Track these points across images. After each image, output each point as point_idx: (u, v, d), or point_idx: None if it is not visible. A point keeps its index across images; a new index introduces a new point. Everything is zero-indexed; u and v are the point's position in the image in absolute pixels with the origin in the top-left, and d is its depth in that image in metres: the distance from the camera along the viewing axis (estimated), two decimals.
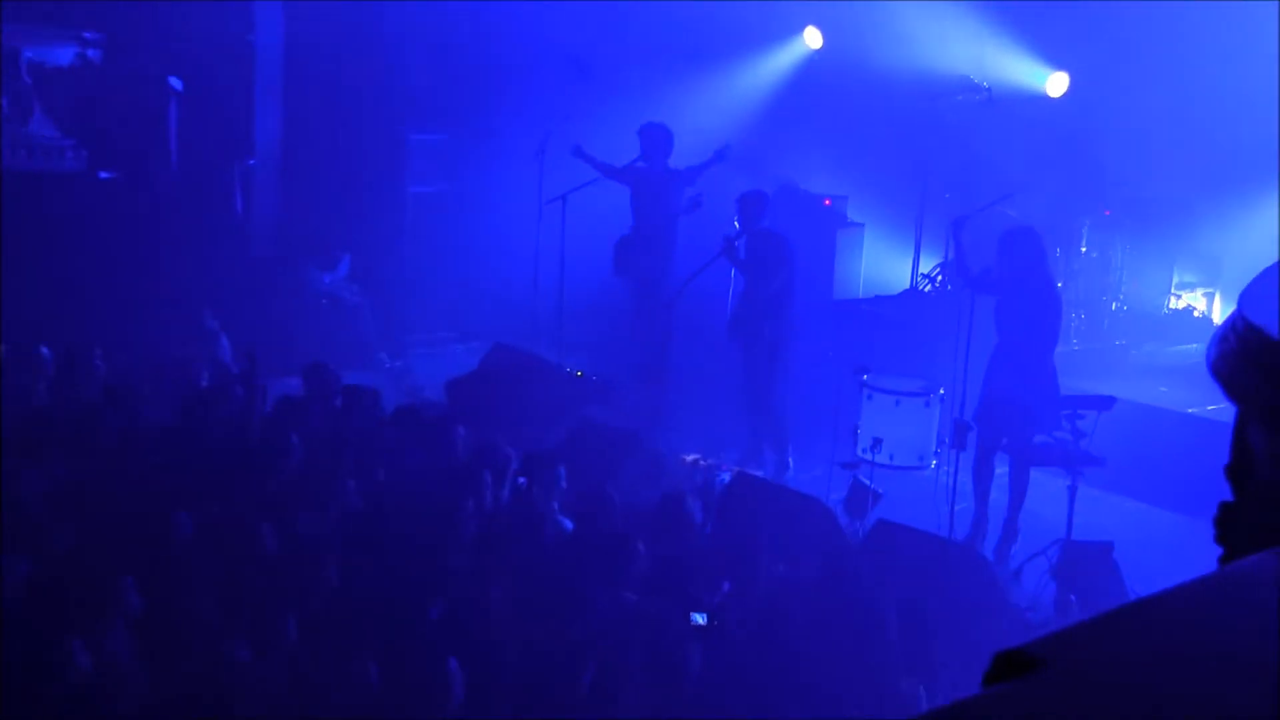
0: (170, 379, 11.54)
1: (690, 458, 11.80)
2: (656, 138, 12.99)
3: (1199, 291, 15.19)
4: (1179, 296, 15.28)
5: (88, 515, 8.83)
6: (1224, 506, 1.70)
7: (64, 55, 14.34)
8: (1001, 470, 10.92)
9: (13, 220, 13.33)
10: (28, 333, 11.70)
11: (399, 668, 7.28)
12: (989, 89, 13.61)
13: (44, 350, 11.49)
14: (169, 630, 7.61)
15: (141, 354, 11.93)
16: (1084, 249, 14.80)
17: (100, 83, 14.44)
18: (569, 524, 9.15)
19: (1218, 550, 1.72)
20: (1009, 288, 10.64)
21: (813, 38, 15.24)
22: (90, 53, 14.41)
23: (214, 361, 12.20)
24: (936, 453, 11.59)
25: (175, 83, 14.59)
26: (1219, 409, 11.47)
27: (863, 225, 14.44)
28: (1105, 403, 10.43)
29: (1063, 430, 10.19)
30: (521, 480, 9.65)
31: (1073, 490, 9.91)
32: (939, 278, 13.50)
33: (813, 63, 15.33)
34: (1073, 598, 9.23)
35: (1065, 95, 13.98)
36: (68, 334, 11.79)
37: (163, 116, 14.66)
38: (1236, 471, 1.65)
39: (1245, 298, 1.55)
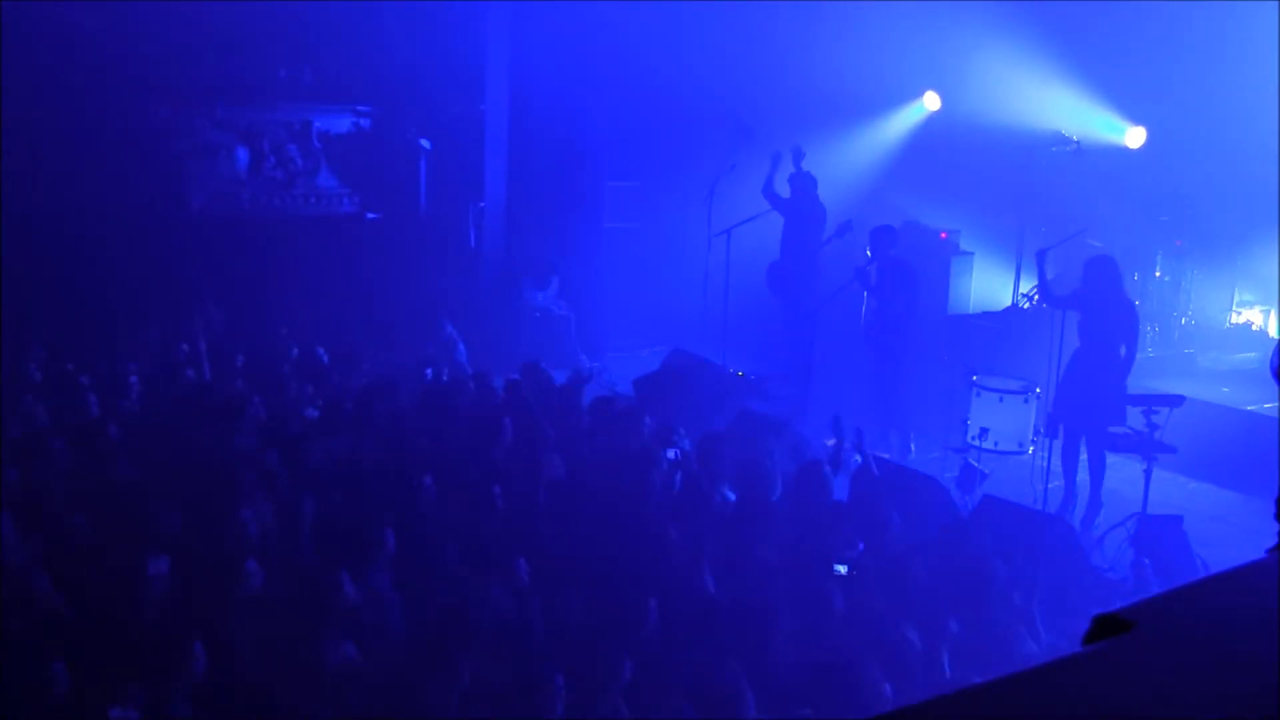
0: (419, 375, 11.83)
1: (830, 441, 11.79)
2: (804, 183, 13.01)
3: (1256, 309, 14.83)
4: (1239, 313, 14.95)
5: (360, 476, 9.13)
6: None
7: (343, 124, 14.65)
8: (1086, 455, 10.80)
9: (304, 250, 13.78)
10: (312, 338, 12.07)
11: (600, 602, 7.39)
12: (1078, 142, 13.42)
13: (320, 351, 11.85)
14: (419, 569, 7.80)
15: (398, 354, 12.22)
16: (1158, 273, 14.56)
17: (369, 145, 14.74)
18: (731, 494, 9.22)
19: (1276, 526, 1.76)
20: (1091, 306, 10.54)
21: (932, 101, 15.14)
22: (363, 122, 14.71)
23: (452, 362, 12.46)
24: (1033, 440, 11.46)
25: (425, 143, 14.86)
26: (1274, 406, 11.32)
27: (972, 253, 14.31)
28: (1176, 401, 10.27)
29: (1140, 423, 10.07)
30: (673, 453, 9.69)
31: (1148, 473, 9.81)
32: (1035, 297, 13.33)
33: (932, 120, 15.22)
34: (1146, 562, 9.09)
35: (1143, 146, 13.72)
36: (341, 338, 12.14)
37: (415, 170, 14.94)
38: None
39: None
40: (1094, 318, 10.53)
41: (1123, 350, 10.58)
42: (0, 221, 12.07)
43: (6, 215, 12.13)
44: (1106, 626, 1.37)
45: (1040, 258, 11.09)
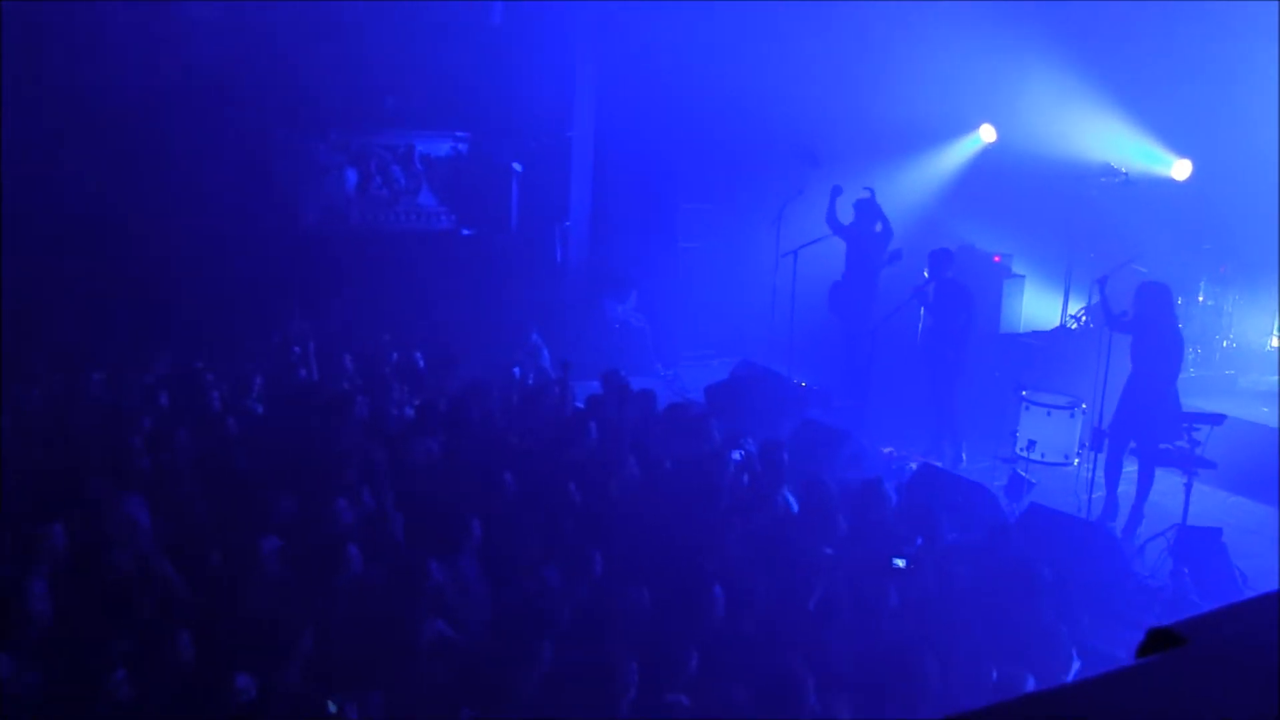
0: (507, 378, 11.91)
1: (886, 449, 11.76)
2: (866, 208, 12.98)
3: None
4: (1279, 336, 14.69)
5: (451, 471, 9.21)
6: None
7: (443, 148, 14.79)
8: (1130, 468, 10.66)
9: (405, 263, 13.94)
10: (411, 343, 12.20)
11: (669, 593, 7.39)
12: (1126, 174, 13.25)
13: (418, 356, 11.96)
14: (502, 559, 7.85)
15: (488, 360, 12.31)
16: (1201, 298, 14.37)
17: (465, 167, 14.89)
18: (791, 495, 9.20)
19: None
20: (1142, 329, 10.41)
21: (987, 133, 15.02)
22: (461, 146, 14.85)
23: (538, 368, 12.52)
24: (1078, 453, 11.35)
25: (517, 166, 14.97)
26: None
27: (1024, 277, 14.18)
28: (1217, 419, 10.14)
29: (1182, 439, 9.93)
30: (738, 455, 9.68)
31: (1188, 487, 9.68)
32: (1083, 318, 13.19)
33: (988, 151, 15.10)
34: (1185, 571, 8.98)
35: (1189, 178, 13.54)
36: (437, 344, 12.25)
37: (507, 191, 15.05)
38: None
39: None
40: (1147, 341, 10.39)
41: (1171, 372, 10.43)
42: (134, 233, 12.36)
43: (141, 228, 12.42)
44: (1159, 640, 1.35)
45: (1101, 284, 10.94)
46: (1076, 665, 7.18)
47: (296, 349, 11.62)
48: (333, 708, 5.54)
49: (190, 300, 12.33)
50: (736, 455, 9.65)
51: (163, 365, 10.93)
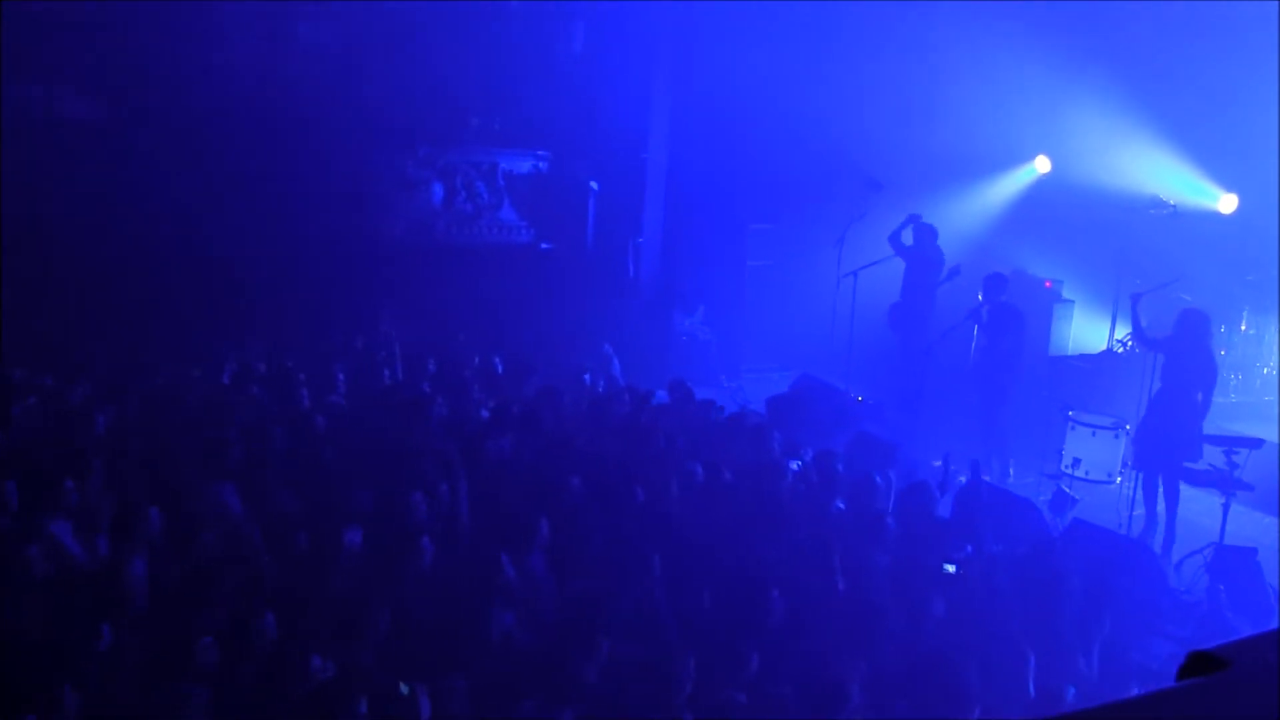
0: (578, 384, 11.90)
1: (936, 462, 11.60)
2: (925, 232, 12.86)
3: None
4: None
5: (523, 471, 9.19)
6: None
7: (525, 166, 14.88)
8: (1162, 488, 10.47)
9: (487, 274, 14.04)
10: (490, 349, 12.25)
11: (727, 594, 7.34)
12: (1174, 206, 13.00)
13: (496, 361, 11.98)
14: (569, 557, 7.81)
15: (561, 367, 12.33)
16: (1244, 327, 14.05)
17: (545, 184, 14.97)
18: (842, 504, 9.09)
19: None
20: (1177, 352, 10.24)
21: (1043, 164, 14.80)
22: (541, 165, 14.93)
23: (608, 376, 12.50)
24: (1120, 471, 11.15)
25: (594, 185, 15.02)
26: None
27: (1073, 302, 13.97)
28: (1255, 443, 9.92)
29: (1221, 461, 9.72)
30: (795, 464, 9.60)
31: (1226, 507, 9.46)
32: (1129, 343, 12.95)
33: (1042, 181, 14.89)
34: (1221, 588, 8.78)
35: (1234, 212, 13.26)
36: (514, 351, 12.28)
37: (584, 208, 15.11)
38: None
39: None
40: (1178, 364, 10.22)
41: (1199, 396, 10.22)
42: (234, 238, 12.57)
43: (242, 233, 12.63)
44: (1200, 663, 1.29)
45: (1134, 301, 10.79)
46: (1110, 678, 7.03)
47: (382, 352, 11.71)
48: (404, 690, 5.56)
49: (284, 302, 12.51)
50: (794, 464, 9.58)
51: (256, 363, 11.06)
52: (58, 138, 12.61)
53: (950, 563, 7.73)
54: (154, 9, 12.65)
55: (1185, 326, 10.26)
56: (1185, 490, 10.38)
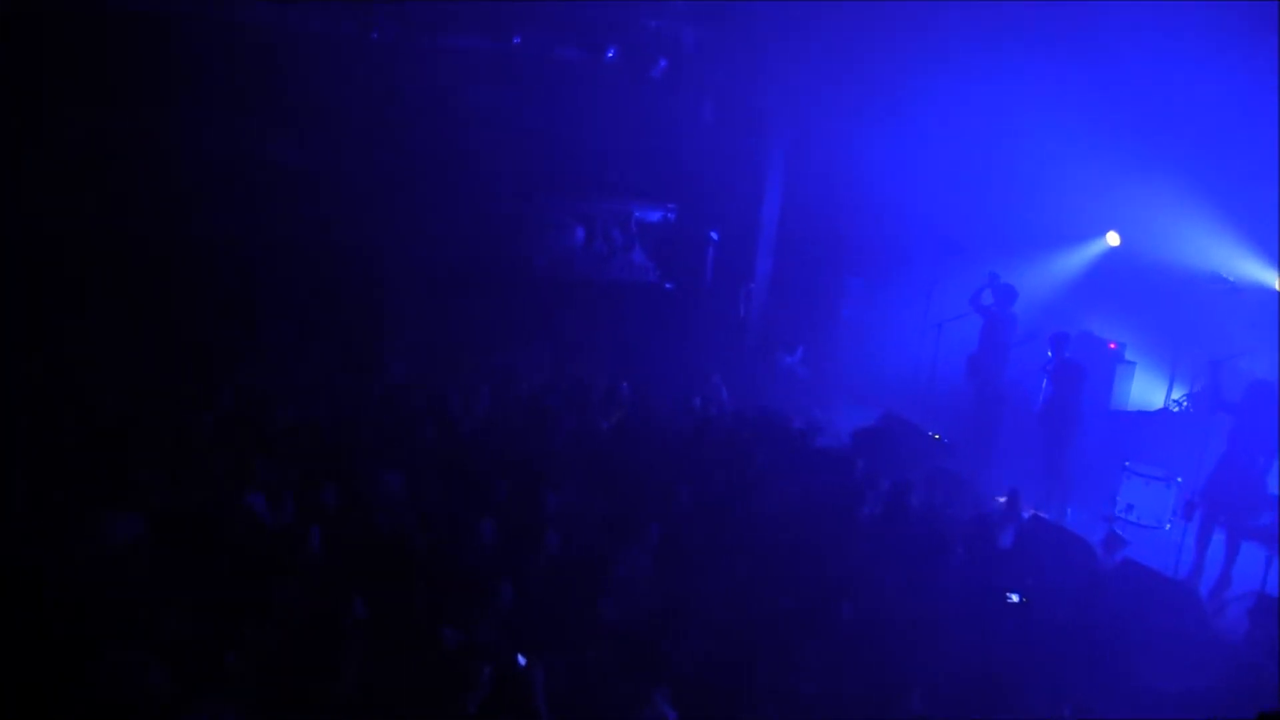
0: (689, 409, 11.93)
1: (1001, 499, 11.37)
2: (1004, 293, 12.63)
3: None
4: None
5: (638, 480, 9.21)
6: None
7: (655, 216, 15.03)
8: (1218, 537, 10.06)
9: (616, 307, 14.21)
10: (615, 372, 12.36)
11: (805, 600, 7.30)
12: (1233, 282, 12.54)
13: (624, 385, 12.00)
14: (676, 558, 7.83)
15: (676, 392, 12.33)
16: None
17: (672, 232, 15.10)
18: (915, 530, 8.96)
19: None
20: (1246, 419, 9.87)
21: (1113, 238, 14.40)
22: (669, 215, 15.05)
23: (717, 403, 12.51)
24: (1170, 519, 10.78)
25: (713, 235, 15.10)
26: None
27: (1134, 363, 13.55)
28: None
29: (1271, 518, 9.34)
30: (875, 491, 9.48)
31: (1271, 559, 9.07)
32: (1185, 403, 12.52)
33: (1112, 253, 14.50)
34: (1259, 634, 8.40)
35: None
36: (636, 375, 12.35)
37: (704, 254, 15.17)
38: None
39: None
40: (1248, 430, 9.84)
41: (1264, 461, 9.83)
42: (399, 265, 12.98)
43: (408, 261, 13.03)
44: None
45: (1215, 367, 10.38)
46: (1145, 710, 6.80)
47: (521, 371, 11.92)
48: (522, 661, 5.65)
49: (443, 321, 12.86)
50: (874, 491, 9.48)
51: (417, 372, 11.37)
52: (266, 173, 13.08)
53: (1014, 592, 7.56)
54: (351, 67, 13.10)
55: (1255, 395, 9.90)
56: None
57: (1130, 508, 10.88)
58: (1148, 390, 13.43)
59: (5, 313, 10.50)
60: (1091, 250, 14.66)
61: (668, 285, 15.06)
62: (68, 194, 11.82)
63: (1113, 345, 13.58)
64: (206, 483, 7.62)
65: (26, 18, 11.31)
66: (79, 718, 4.94)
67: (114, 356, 10.39)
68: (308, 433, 9.10)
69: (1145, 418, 12.73)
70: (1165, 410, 12.73)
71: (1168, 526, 10.76)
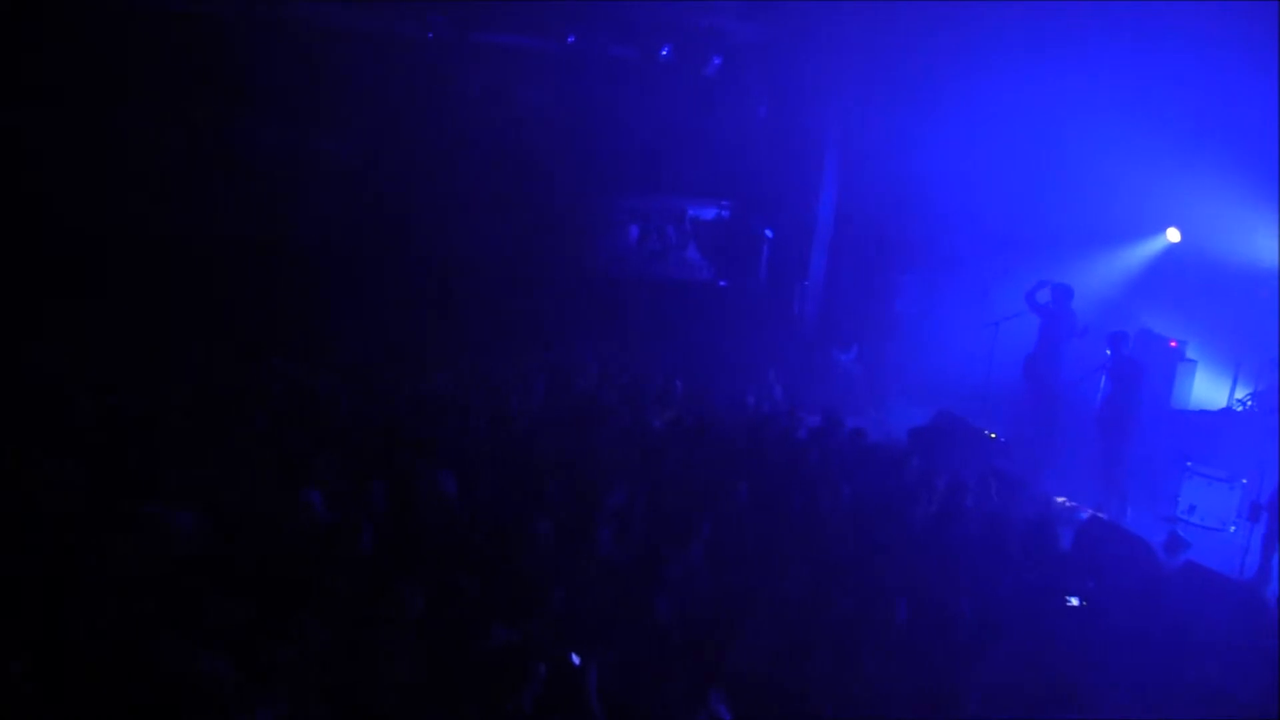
0: (744, 407, 11.79)
1: (1060, 499, 11.11)
2: (1061, 292, 12.33)
3: None
4: None
5: (691, 477, 9.09)
6: None
7: (709, 213, 14.96)
8: None
9: (671, 304, 14.13)
10: (670, 369, 12.25)
11: (859, 598, 7.12)
12: None
13: (676, 381, 11.92)
14: (727, 556, 7.69)
15: (731, 389, 12.20)
16: None
17: (726, 230, 15.01)
18: (970, 530, 8.74)
19: None
20: None
21: (1173, 234, 14.00)
22: (723, 213, 14.98)
23: (771, 400, 12.38)
24: (1235, 521, 10.43)
25: (768, 232, 14.94)
26: None
27: (1196, 361, 13.16)
28: None
29: None
30: (931, 490, 9.26)
31: None
32: (1249, 402, 12.13)
33: (1172, 250, 14.10)
34: None
35: None
36: (690, 372, 12.24)
37: (758, 252, 15.06)
38: None
39: None
40: None
41: None
42: (457, 263, 12.99)
43: (465, 259, 13.05)
44: None
45: None
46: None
47: (577, 366, 11.85)
48: (576, 660, 5.57)
49: (498, 319, 12.84)
50: (929, 491, 9.27)
51: (473, 369, 11.34)
52: (326, 172, 13.17)
53: (1074, 595, 7.33)
54: (409, 68, 13.14)
55: None
56: None
57: (1192, 509, 10.55)
58: (1210, 389, 13.04)
59: (64, 311, 10.66)
60: (1151, 247, 14.27)
61: (722, 283, 14.94)
62: (162, 200, 12.04)
63: (1173, 343, 13.20)
64: (263, 479, 7.63)
65: (86, 19, 11.49)
66: (144, 707, 4.94)
67: (175, 353, 10.49)
68: (363, 430, 9.09)
69: (1207, 417, 12.35)
70: (1228, 409, 12.33)
71: (1232, 529, 10.41)
